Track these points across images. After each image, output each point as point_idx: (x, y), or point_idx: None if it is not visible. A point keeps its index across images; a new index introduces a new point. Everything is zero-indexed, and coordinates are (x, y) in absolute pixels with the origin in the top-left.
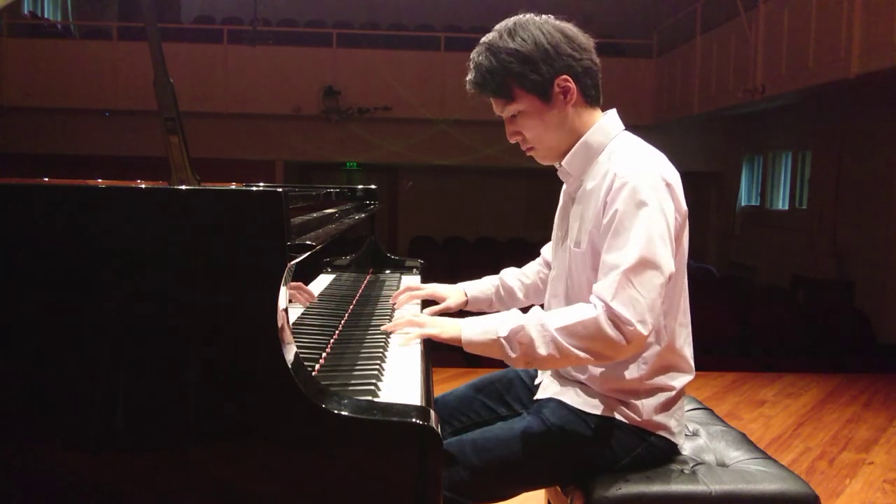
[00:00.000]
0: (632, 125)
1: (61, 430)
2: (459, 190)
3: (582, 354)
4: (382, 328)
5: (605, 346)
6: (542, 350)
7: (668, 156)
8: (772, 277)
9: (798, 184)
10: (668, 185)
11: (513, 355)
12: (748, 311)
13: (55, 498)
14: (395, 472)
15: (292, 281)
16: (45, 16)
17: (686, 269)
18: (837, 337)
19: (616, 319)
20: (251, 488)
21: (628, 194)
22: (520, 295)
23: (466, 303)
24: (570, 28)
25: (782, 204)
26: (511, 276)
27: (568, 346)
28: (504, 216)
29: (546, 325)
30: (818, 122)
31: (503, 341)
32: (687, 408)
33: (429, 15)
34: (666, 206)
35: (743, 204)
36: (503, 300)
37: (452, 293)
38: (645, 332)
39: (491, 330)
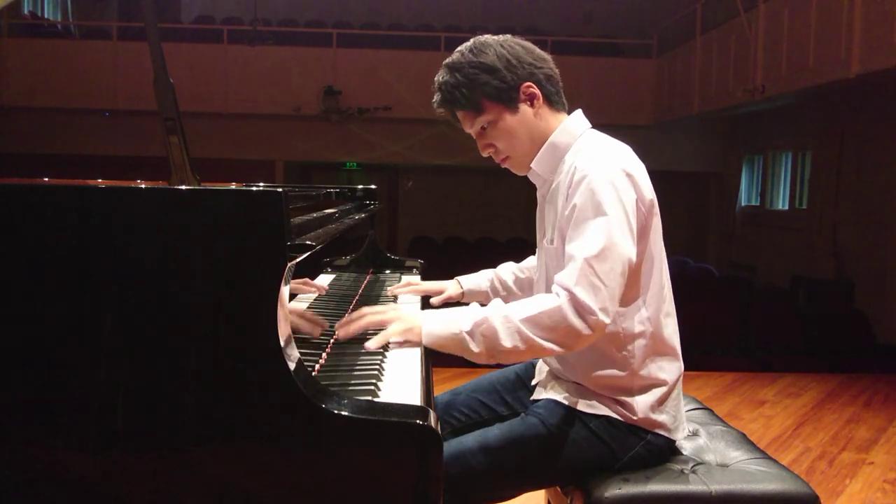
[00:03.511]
0: (631, 125)
1: (61, 429)
2: (459, 190)
3: (546, 345)
4: (338, 332)
5: (567, 334)
6: (507, 342)
7: (668, 156)
8: (771, 277)
9: (798, 184)
10: (628, 175)
11: (476, 350)
12: (748, 310)
13: (56, 498)
14: (396, 472)
15: (295, 278)
16: (45, 16)
17: (665, 259)
18: (837, 337)
19: (579, 307)
20: (251, 488)
21: (586, 186)
22: (514, 288)
23: (463, 294)
24: (528, 42)
25: (782, 204)
26: (506, 270)
27: (533, 336)
28: (504, 216)
29: (510, 316)
30: (818, 122)
31: (465, 335)
32: (687, 408)
33: (429, 15)
34: (625, 196)
35: (743, 204)
36: (499, 294)
37: (449, 286)
38: (606, 321)
39: (453, 324)
